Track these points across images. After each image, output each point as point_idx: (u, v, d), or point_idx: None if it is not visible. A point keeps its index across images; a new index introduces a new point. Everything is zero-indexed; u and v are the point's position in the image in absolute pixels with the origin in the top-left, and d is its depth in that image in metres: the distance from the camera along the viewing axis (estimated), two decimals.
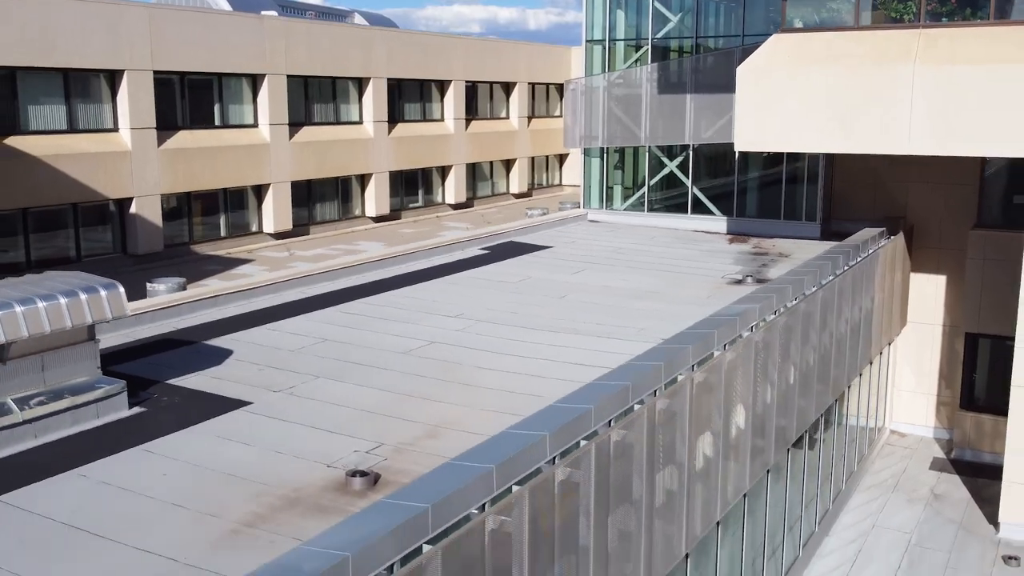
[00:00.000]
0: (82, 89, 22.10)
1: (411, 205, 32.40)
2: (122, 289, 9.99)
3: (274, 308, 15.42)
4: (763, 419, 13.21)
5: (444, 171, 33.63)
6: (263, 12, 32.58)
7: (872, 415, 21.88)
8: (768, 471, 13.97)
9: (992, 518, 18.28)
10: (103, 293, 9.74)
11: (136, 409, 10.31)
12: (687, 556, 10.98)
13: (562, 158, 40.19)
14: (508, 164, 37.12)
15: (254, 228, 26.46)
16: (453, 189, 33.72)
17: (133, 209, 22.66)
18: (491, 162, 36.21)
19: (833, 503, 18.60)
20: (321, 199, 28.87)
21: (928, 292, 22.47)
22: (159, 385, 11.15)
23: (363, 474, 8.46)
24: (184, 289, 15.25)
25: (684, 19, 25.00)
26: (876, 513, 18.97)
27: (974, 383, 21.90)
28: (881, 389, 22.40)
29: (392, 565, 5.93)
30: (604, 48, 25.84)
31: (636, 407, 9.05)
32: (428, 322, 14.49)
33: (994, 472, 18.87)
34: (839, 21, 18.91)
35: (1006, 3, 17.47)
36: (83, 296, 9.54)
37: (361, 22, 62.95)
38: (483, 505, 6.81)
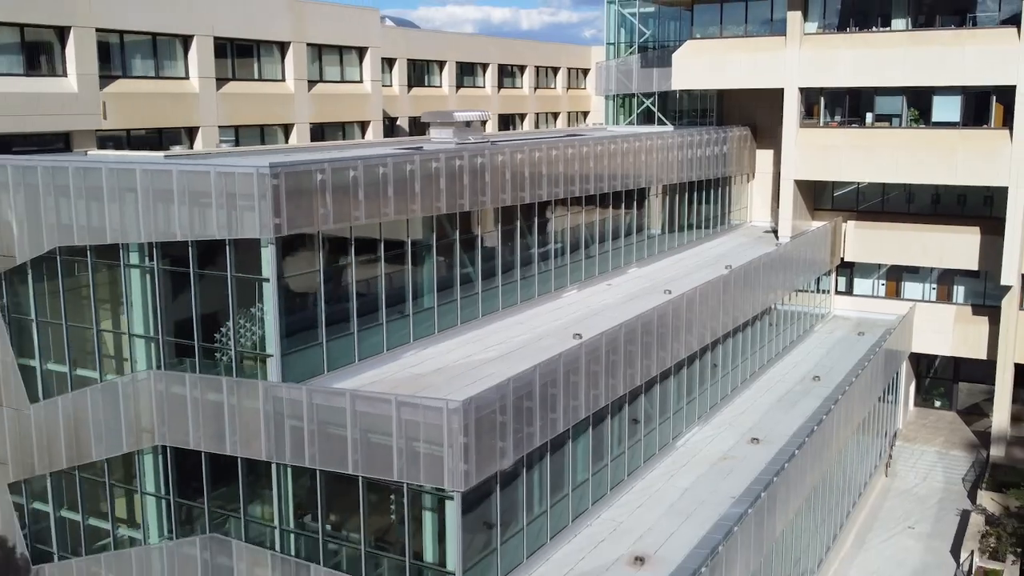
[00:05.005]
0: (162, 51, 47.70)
1: None
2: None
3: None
4: (647, 167, 39.23)
5: (522, 117, 59.77)
6: None
7: (740, 216, 48.04)
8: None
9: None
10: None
11: None
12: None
13: (586, 114, 66.31)
14: (555, 116, 63.28)
15: None
16: (526, 128, 59.86)
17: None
18: (546, 113, 62.35)
19: (699, 242, 44.54)
20: None
21: (765, 158, 48.56)
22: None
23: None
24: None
25: (654, 31, 51.23)
26: (729, 243, 44.98)
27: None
28: (744, 204, 48.56)
29: None
30: (615, 45, 52.01)
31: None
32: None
33: None
34: (716, 35, 45.12)
35: (781, 23, 43.71)
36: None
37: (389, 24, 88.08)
38: None
